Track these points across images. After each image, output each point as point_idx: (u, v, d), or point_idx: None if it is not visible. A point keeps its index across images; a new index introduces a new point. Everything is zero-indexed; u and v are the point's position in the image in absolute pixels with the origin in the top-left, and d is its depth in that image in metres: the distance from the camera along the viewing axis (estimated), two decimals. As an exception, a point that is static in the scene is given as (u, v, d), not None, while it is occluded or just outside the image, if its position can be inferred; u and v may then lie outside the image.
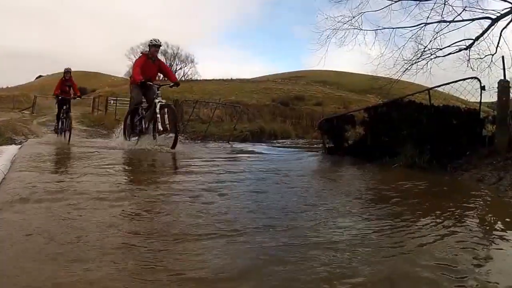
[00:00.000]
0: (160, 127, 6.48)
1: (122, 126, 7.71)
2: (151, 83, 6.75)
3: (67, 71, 9.61)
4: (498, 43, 9.91)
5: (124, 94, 23.97)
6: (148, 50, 7.10)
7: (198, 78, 47.02)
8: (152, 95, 6.80)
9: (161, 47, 7.26)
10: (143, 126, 6.94)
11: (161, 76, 7.91)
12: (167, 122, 6.47)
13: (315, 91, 36.35)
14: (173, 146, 6.36)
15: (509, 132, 4.95)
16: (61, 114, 9.49)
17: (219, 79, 45.45)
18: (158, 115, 6.49)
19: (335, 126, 6.28)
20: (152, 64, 6.97)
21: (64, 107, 9.45)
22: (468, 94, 5.54)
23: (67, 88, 9.57)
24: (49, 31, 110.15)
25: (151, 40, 7.01)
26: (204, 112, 16.59)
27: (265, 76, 49.30)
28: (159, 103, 6.58)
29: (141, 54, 7.26)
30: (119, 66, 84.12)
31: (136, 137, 7.04)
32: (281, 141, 12.77)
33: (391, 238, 2.13)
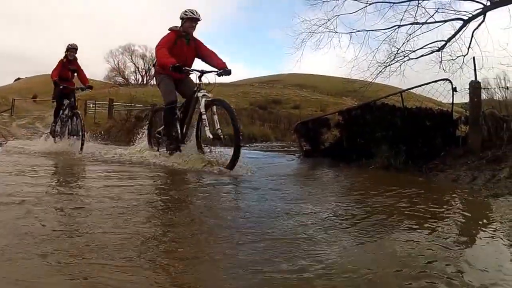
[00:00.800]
0: (209, 134, 4.41)
1: (146, 135, 5.88)
2: (188, 69, 4.79)
3: (72, 48, 6.81)
4: (470, 44, 10.19)
5: (103, 98, 23.93)
6: (179, 26, 4.95)
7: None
8: (190, 88, 4.93)
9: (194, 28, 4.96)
10: (179, 133, 4.98)
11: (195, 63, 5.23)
12: (218, 126, 4.44)
13: (293, 95, 36.61)
14: (231, 166, 4.24)
15: (481, 132, 5.00)
16: (62, 111, 6.85)
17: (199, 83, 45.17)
18: (205, 116, 4.50)
19: (310, 129, 6.23)
20: (186, 45, 4.94)
21: (66, 101, 6.76)
22: (441, 95, 5.60)
23: (70, 74, 6.84)
24: (30, 32, 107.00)
25: (185, 11, 4.86)
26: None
27: (243, 80, 49.30)
28: (204, 98, 4.59)
29: (168, 31, 4.96)
30: (98, 69, 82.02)
31: (168, 148, 5.07)
32: (259, 144, 12.68)
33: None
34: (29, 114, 15.01)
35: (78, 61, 7.04)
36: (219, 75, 4.74)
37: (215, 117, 4.48)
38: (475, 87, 5.23)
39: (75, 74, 7.01)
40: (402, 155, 4.97)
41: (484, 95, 5.58)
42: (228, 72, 4.74)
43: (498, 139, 4.87)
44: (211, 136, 4.38)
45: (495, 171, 4.09)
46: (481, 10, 9.78)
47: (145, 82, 49.12)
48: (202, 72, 4.76)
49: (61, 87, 6.55)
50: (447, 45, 10.35)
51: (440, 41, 10.42)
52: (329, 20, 11.54)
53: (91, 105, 21.75)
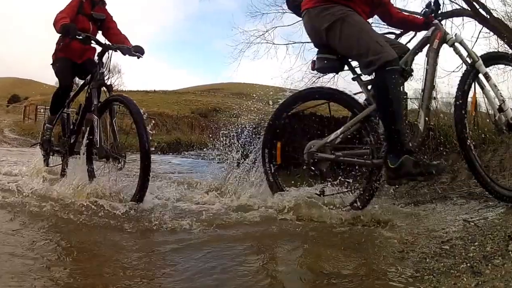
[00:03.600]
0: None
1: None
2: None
3: None
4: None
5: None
6: None
7: (124, 89, 45.03)
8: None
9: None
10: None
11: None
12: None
13: (232, 103, 36.66)
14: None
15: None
16: (68, 102, 3.90)
17: (143, 91, 43.79)
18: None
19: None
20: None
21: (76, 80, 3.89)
22: None
23: (91, 26, 3.69)
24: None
25: None
26: (128, 123, 15.63)
27: (186, 88, 48.66)
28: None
29: None
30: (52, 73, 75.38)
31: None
32: (192, 153, 12.27)
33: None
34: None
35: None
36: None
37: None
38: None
39: (100, 30, 3.81)
40: (329, 163, 4.93)
41: (415, 105, 5.77)
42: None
43: (422, 148, 5.01)
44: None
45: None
46: None
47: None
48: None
49: (80, 37, 3.15)
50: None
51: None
52: (267, 31, 11.64)
53: (41, 110, 20.46)
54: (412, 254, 1.79)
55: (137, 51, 3.46)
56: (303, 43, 11.59)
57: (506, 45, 9.46)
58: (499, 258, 1.59)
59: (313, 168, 2.78)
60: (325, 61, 2.75)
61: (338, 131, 2.75)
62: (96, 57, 3.43)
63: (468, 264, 1.58)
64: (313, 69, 2.98)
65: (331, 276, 1.57)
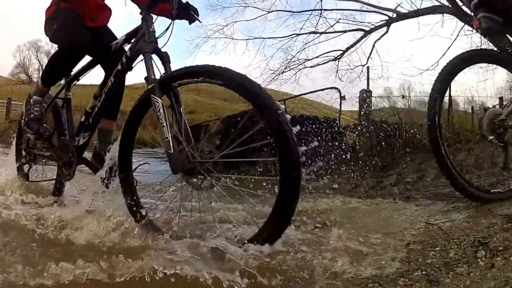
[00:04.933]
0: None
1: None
2: None
3: None
4: (370, 54, 10.46)
5: (4, 95, 20.37)
6: None
7: (77, 83, 43.76)
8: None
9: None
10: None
11: None
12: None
13: (189, 99, 36.09)
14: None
15: (371, 139, 4.94)
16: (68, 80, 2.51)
17: (96, 85, 42.90)
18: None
19: (203, 134, 5.74)
20: None
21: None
22: (335, 102, 5.57)
23: None
24: None
25: None
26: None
27: (135, 84, 47.87)
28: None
29: None
30: (7, 64, 72.26)
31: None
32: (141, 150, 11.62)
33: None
34: None
35: None
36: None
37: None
38: (365, 95, 5.20)
39: None
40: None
41: (386, 104, 5.64)
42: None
43: (388, 146, 4.81)
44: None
45: (380, 178, 3.93)
46: (385, 21, 10.09)
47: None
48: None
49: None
50: (345, 55, 10.54)
51: (338, 50, 10.58)
52: (226, 25, 11.26)
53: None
54: (361, 260, 1.52)
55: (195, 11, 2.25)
56: (264, 38, 11.27)
57: (490, 43, 9.33)
58: (464, 266, 1.35)
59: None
60: (491, 21, 2.34)
61: None
62: (142, 9, 1.97)
63: (424, 272, 1.35)
64: (476, 29, 2.63)
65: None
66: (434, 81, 2.35)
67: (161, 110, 1.72)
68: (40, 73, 2.37)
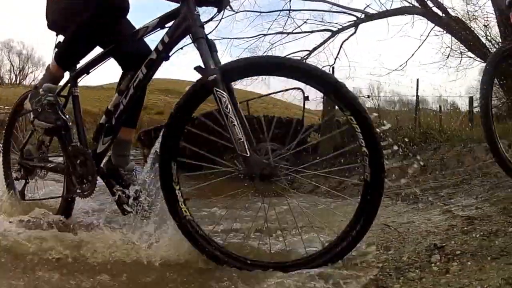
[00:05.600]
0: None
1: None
2: None
3: None
4: (338, 54, 10.54)
5: None
6: None
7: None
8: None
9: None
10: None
11: None
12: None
13: (158, 100, 35.65)
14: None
15: (335, 139, 4.87)
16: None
17: (96, 86, 41.67)
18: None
19: (153, 138, 5.55)
20: None
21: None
22: (300, 102, 5.49)
23: None
24: None
25: None
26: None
27: (110, 84, 46.91)
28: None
29: None
30: None
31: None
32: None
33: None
34: None
35: None
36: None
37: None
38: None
39: None
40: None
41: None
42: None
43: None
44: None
45: (343, 178, 3.86)
46: (353, 22, 10.20)
47: (17, 82, 43.53)
48: None
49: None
50: (312, 55, 10.58)
51: (305, 50, 10.61)
52: None
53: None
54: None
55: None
56: (231, 39, 11.21)
57: (460, 43, 9.55)
58: (416, 271, 1.27)
59: None
60: None
61: None
62: None
63: (372, 277, 1.27)
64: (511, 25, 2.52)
65: None
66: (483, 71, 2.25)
67: (229, 106, 1.47)
68: (53, 53, 1.90)
